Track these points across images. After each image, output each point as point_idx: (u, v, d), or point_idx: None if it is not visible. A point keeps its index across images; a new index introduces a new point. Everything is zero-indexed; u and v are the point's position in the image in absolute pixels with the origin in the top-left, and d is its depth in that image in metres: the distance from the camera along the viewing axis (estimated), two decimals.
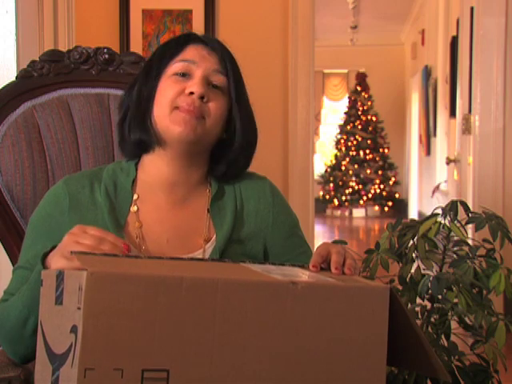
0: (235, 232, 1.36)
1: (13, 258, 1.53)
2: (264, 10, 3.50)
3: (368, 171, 11.19)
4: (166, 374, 0.89)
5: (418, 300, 1.27)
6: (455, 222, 1.27)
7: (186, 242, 1.33)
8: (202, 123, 1.31)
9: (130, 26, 3.48)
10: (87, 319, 0.87)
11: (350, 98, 11.51)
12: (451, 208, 1.28)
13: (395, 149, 11.16)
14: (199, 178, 1.39)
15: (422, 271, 1.27)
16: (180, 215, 1.36)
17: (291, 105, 3.50)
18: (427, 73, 7.97)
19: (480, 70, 3.54)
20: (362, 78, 11.37)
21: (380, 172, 11.21)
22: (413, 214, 9.45)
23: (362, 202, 11.10)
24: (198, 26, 3.42)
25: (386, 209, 11.07)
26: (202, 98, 1.30)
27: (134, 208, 1.34)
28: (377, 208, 11.09)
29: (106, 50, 1.66)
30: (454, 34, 5.49)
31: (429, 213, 1.35)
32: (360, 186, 11.17)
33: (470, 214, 1.29)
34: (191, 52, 1.35)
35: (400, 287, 1.28)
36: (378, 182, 11.15)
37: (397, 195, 11.14)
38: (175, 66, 1.34)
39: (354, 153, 11.29)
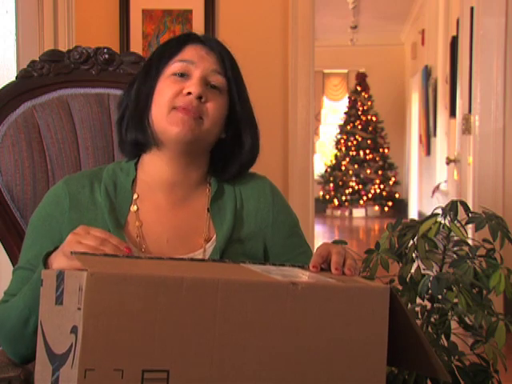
0: (235, 232, 1.36)
1: (13, 258, 1.53)
2: (264, 10, 3.50)
3: (368, 171, 11.19)
4: (166, 374, 0.89)
5: (418, 300, 1.27)
6: (455, 221, 1.27)
7: (186, 241, 1.33)
8: (200, 124, 1.31)
9: (129, 26, 3.48)
10: (87, 320, 0.87)
11: (350, 97, 11.51)
12: (451, 208, 1.28)
13: (395, 149, 11.16)
14: (199, 177, 1.39)
15: (422, 271, 1.27)
16: (180, 215, 1.36)
17: (291, 105, 3.50)
18: (427, 73, 7.97)
19: (480, 70, 3.54)
20: (362, 78, 11.37)
21: (380, 172, 11.21)
22: (413, 214, 9.45)
23: (361, 201, 11.10)
24: (197, 26, 3.42)
25: (386, 209, 11.07)
26: (199, 98, 1.30)
27: (133, 208, 1.34)
28: (377, 208, 11.09)
29: (106, 50, 1.66)
30: (454, 33, 5.49)
31: (429, 213, 1.35)
32: (360, 186, 11.17)
33: (470, 214, 1.29)
34: (190, 52, 1.35)
35: (400, 287, 1.28)
36: (377, 181, 11.15)
37: (397, 195, 11.14)
38: (174, 66, 1.34)
39: (354, 153, 11.29)
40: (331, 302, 0.97)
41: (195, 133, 1.30)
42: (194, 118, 1.29)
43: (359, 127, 11.30)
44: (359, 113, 11.35)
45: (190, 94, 1.30)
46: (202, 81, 1.32)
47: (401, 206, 10.71)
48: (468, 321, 1.26)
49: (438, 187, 6.55)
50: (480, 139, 3.57)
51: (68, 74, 1.63)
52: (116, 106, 1.52)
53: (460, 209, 1.28)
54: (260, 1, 3.52)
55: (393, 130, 11.26)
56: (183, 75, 1.33)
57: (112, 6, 3.46)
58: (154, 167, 1.37)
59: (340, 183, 11.21)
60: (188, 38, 1.37)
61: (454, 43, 5.54)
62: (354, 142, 11.30)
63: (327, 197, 11.24)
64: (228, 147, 1.39)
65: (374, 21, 9.92)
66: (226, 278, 0.94)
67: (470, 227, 1.64)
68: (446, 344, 1.26)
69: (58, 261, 1.13)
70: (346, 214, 11.14)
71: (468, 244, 1.28)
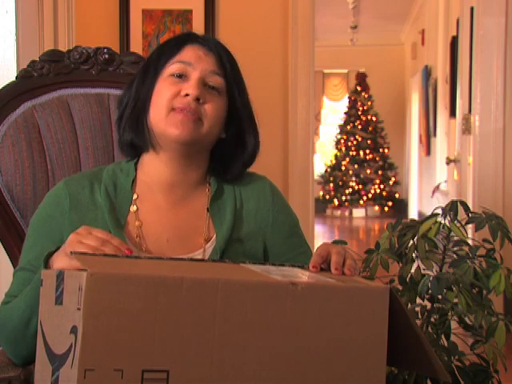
0: (235, 231, 1.36)
1: (13, 258, 1.53)
2: (264, 10, 3.50)
3: (368, 171, 11.19)
4: (165, 374, 0.89)
5: (418, 300, 1.27)
6: (455, 221, 1.27)
7: (186, 241, 1.33)
8: (200, 125, 1.31)
9: (129, 26, 3.48)
10: (87, 320, 0.87)
11: (350, 98, 11.51)
12: (451, 208, 1.28)
13: (395, 149, 11.16)
14: (198, 177, 1.39)
15: (422, 271, 1.27)
16: (180, 215, 1.36)
17: (291, 105, 3.50)
18: (427, 73, 7.97)
19: (480, 69, 3.54)
20: (362, 78, 11.37)
21: (380, 172, 11.21)
22: (413, 214, 9.45)
23: (362, 201, 11.10)
24: (197, 26, 3.42)
25: (386, 209, 11.07)
26: (197, 99, 1.30)
27: (133, 208, 1.35)
28: (377, 208, 11.09)
29: (106, 50, 1.66)
30: (454, 33, 5.49)
31: (429, 213, 1.35)
32: (360, 186, 11.17)
33: (470, 214, 1.29)
34: (188, 53, 1.35)
35: (400, 287, 1.28)
36: (377, 181, 11.15)
37: (397, 195, 11.14)
38: (172, 67, 1.34)
39: (354, 153, 11.29)
40: (331, 302, 0.97)
41: (194, 134, 1.30)
42: (193, 121, 1.30)
43: (359, 127, 11.30)
44: (359, 113, 11.35)
45: (187, 95, 1.30)
46: (199, 82, 1.32)
47: (401, 206, 10.71)
48: (468, 321, 1.26)
49: (437, 187, 6.55)
50: (480, 139, 3.57)
51: (68, 74, 1.63)
52: (116, 105, 1.52)
53: (460, 209, 1.28)
54: (260, 1, 3.52)
55: (393, 130, 11.26)
56: (181, 76, 1.33)
57: (112, 5, 3.46)
58: (153, 168, 1.37)
59: (340, 183, 11.21)
60: (187, 39, 1.37)
61: (454, 43, 5.54)
62: (354, 142, 11.30)
63: (327, 197, 11.24)
64: (229, 147, 1.39)
65: (374, 21, 9.92)
66: (226, 278, 0.94)
67: (470, 227, 1.64)
68: (446, 344, 1.26)
69: (60, 261, 1.13)
70: (346, 213, 11.13)
71: (468, 244, 1.28)
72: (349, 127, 11.36)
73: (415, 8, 9.12)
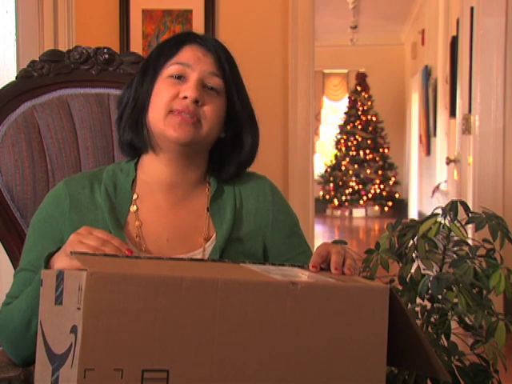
0: (235, 230, 1.36)
1: (13, 258, 1.53)
2: (264, 10, 3.50)
3: (368, 171, 11.19)
4: (165, 374, 0.89)
5: (418, 300, 1.27)
6: (455, 221, 1.27)
7: (186, 240, 1.34)
8: (199, 127, 1.31)
9: (130, 26, 3.48)
10: (87, 319, 0.87)
11: (350, 98, 11.51)
12: (451, 208, 1.28)
13: (395, 149, 11.16)
14: (198, 177, 1.39)
15: (422, 271, 1.27)
16: (180, 214, 1.36)
17: (291, 105, 3.50)
18: (427, 73, 7.97)
19: (480, 69, 3.54)
20: (362, 78, 11.37)
21: (380, 172, 11.21)
22: (413, 214, 9.45)
23: (362, 201, 11.10)
24: (197, 26, 3.42)
25: (386, 209, 11.07)
26: (196, 102, 1.30)
27: (133, 207, 1.35)
28: (377, 208, 11.09)
29: (106, 50, 1.66)
30: (454, 33, 5.49)
31: (429, 213, 1.35)
32: (360, 186, 11.17)
33: (470, 214, 1.29)
34: (186, 54, 1.35)
35: (400, 287, 1.28)
36: (377, 182, 11.15)
37: (397, 195, 11.14)
38: (170, 69, 1.34)
39: (354, 153, 11.29)
40: (331, 302, 0.97)
41: (193, 136, 1.30)
42: (191, 123, 1.29)
43: (359, 127, 11.30)
44: (359, 113, 11.34)
45: (186, 98, 1.30)
46: (198, 84, 1.31)
47: (401, 206, 10.71)
48: (468, 321, 1.26)
49: (437, 187, 6.55)
50: (480, 139, 3.57)
51: (68, 74, 1.63)
52: (115, 105, 1.52)
53: (460, 209, 1.28)
54: (260, 1, 3.52)
55: (393, 130, 11.26)
56: (180, 77, 1.33)
57: (112, 5, 3.46)
58: (153, 168, 1.37)
59: (340, 183, 11.21)
60: (185, 39, 1.37)
61: (454, 43, 5.54)
62: (354, 142, 11.30)
63: (327, 197, 11.24)
64: (227, 147, 1.39)
65: (374, 21, 9.92)
66: (226, 278, 0.94)
67: (470, 227, 1.65)
68: (446, 344, 1.26)
69: (60, 261, 1.13)
70: (346, 213, 11.13)
71: (468, 244, 1.28)
72: (349, 127, 11.36)
73: (415, 8, 9.12)
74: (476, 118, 3.57)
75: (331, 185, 11.26)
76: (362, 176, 11.20)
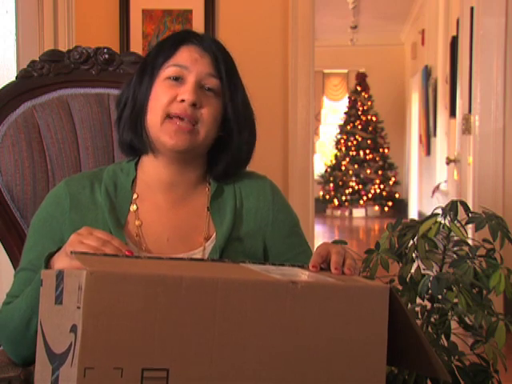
0: (235, 230, 1.36)
1: (13, 258, 1.53)
2: (264, 10, 3.50)
3: (368, 171, 11.19)
4: (165, 373, 0.89)
5: (418, 300, 1.27)
6: (455, 221, 1.27)
7: (186, 240, 1.34)
8: (195, 134, 1.30)
9: (130, 26, 3.48)
10: (87, 319, 0.87)
11: (350, 98, 11.51)
12: (451, 208, 1.28)
13: (395, 149, 11.16)
14: (197, 178, 1.39)
15: (422, 271, 1.27)
16: (180, 214, 1.36)
17: (291, 105, 3.50)
18: (427, 73, 7.97)
19: (480, 69, 3.54)
20: (362, 78, 11.37)
21: (380, 172, 11.21)
22: (413, 214, 9.45)
23: (362, 201, 11.10)
24: (197, 26, 3.42)
25: (386, 209, 11.07)
26: (194, 104, 1.30)
27: (133, 207, 1.35)
28: (377, 208, 11.09)
29: (106, 50, 1.66)
30: (454, 33, 5.49)
31: (429, 213, 1.35)
32: (360, 186, 11.17)
33: (470, 214, 1.29)
34: (184, 55, 1.34)
35: (400, 287, 1.28)
36: (377, 182, 11.15)
37: (397, 195, 11.14)
38: (168, 71, 1.33)
39: (354, 153, 11.29)
40: (331, 302, 0.97)
41: (189, 144, 1.30)
42: (188, 131, 1.29)
43: (359, 127, 11.30)
44: (359, 113, 11.34)
45: (183, 101, 1.30)
46: (195, 86, 1.31)
47: (401, 206, 10.71)
48: (468, 321, 1.26)
49: (437, 187, 6.55)
50: (480, 139, 3.57)
51: (68, 74, 1.63)
52: (115, 104, 1.52)
53: (460, 209, 1.28)
54: (260, 1, 3.52)
55: (393, 130, 11.26)
56: (178, 79, 1.32)
57: (112, 5, 3.46)
58: (153, 168, 1.37)
59: (340, 183, 11.21)
60: (183, 39, 1.36)
61: (454, 43, 5.54)
62: (354, 142, 11.30)
63: (327, 197, 11.24)
64: (223, 145, 1.38)
65: (374, 21, 9.92)
66: (226, 277, 0.94)
67: (470, 227, 1.65)
68: (446, 344, 1.26)
69: (60, 261, 1.13)
70: (346, 213, 11.13)
71: (468, 244, 1.28)
72: (349, 127, 11.36)
73: (415, 8, 9.12)
74: (476, 118, 3.57)
75: (331, 185, 11.26)
76: (362, 176, 11.20)
